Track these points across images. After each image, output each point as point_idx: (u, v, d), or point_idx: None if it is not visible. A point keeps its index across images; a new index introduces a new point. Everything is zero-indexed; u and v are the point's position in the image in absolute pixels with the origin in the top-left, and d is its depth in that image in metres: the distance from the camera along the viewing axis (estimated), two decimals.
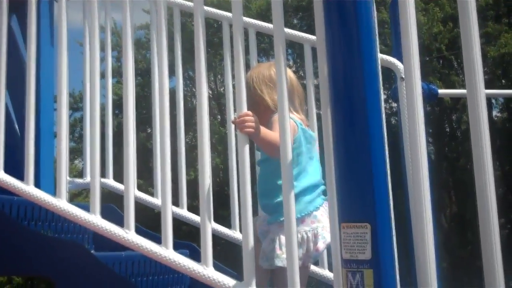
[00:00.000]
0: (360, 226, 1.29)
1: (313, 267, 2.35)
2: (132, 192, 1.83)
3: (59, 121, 2.01)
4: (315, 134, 2.17)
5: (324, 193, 2.01)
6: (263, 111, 2.01)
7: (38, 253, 1.96)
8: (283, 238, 1.87)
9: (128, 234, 1.79)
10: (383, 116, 1.41)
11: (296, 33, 2.54)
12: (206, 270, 1.67)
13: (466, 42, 1.29)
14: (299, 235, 1.93)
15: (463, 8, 1.33)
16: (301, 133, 2.01)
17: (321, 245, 1.98)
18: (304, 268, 1.91)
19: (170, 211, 1.76)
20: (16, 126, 2.87)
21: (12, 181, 1.98)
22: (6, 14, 2.19)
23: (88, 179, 2.72)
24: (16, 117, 2.85)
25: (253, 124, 1.74)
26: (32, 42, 2.12)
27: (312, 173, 2.02)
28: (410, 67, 1.39)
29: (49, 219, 2.31)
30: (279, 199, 1.89)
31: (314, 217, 1.99)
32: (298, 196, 1.94)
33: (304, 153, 2.00)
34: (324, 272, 2.34)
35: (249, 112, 1.75)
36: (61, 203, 1.91)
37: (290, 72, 2.11)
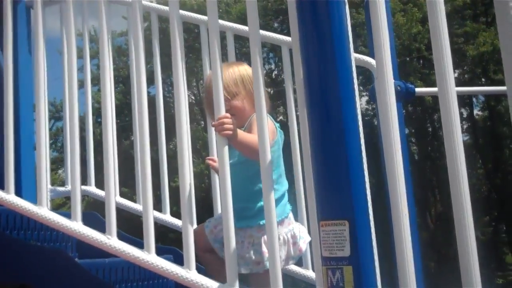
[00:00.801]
0: (338, 224, 1.30)
1: (297, 268, 2.36)
2: (113, 197, 1.83)
3: (38, 127, 2.01)
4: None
5: None
6: (248, 109, 2.01)
7: (21, 261, 1.95)
8: (265, 239, 1.89)
9: (110, 240, 1.79)
10: (359, 114, 1.43)
11: (273, 35, 2.56)
12: (189, 273, 1.68)
13: (435, 38, 1.31)
14: (281, 237, 1.96)
15: (431, 3, 1.35)
16: (279, 136, 2.03)
17: (303, 245, 2.03)
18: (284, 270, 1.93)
19: (151, 215, 1.76)
20: None
21: None
22: None
23: (69, 187, 2.71)
24: None
25: (231, 126, 1.75)
26: (9, 50, 2.11)
27: (285, 176, 2.04)
28: (381, 64, 1.41)
29: (31, 227, 2.30)
30: (258, 204, 1.95)
31: (289, 218, 2.04)
32: (279, 199, 1.97)
33: (281, 156, 2.02)
34: (308, 272, 2.36)
35: (227, 115, 1.76)
36: (42, 211, 1.90)
37: None
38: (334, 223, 1.31)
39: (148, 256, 1.73)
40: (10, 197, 1.95)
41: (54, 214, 1.90)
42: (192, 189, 1.77)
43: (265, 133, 1.61)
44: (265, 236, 1.94)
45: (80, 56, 2.28)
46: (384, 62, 1.38)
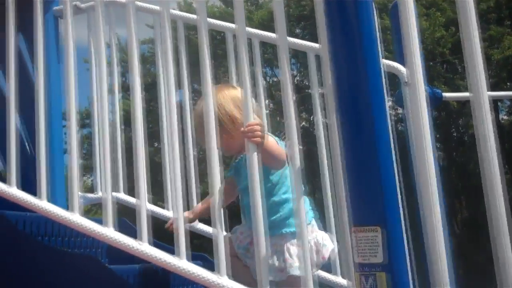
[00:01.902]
0: (371, 230, 1.30)
1: (326, 275, 2.36)
2: (144, 203, 1.85)
3: (69, 134, 2.04)
4: None
5: None
6: (235, 132, 2.00)
7: (53, 268, 1.98)
8: (291, 247, 1.95)
9: (142, 246, 1.81)
10: (389, 120, 1.43)
11: (299, 41, 2.57)
12: (220, 279, 1.69)
13: (467, 42, 1.31)
14: None
15: (462, 8, 1.35)
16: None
17: (326, 253, 2.04)
18: None
19: (182, 222, 1.78)
20: (27, 144, 2.90)
21: (26, 197, 2.01)
22: (13, 34, 2.22)
23: (99, 193, 2.75)
24: (26, 135, 2.88)
25: (261, 133, 1.76)
26: (40, 61, 2.15)
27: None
28: (413, 70, 1.41)
29: (62, 234, 2.33)
30: (278, 215, 2.01)
31: (313, 226, 2.05)
32: None
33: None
34: (338, 279, 2.35)
35: (258, 121, 1.77)
36: (74, 217, 1.93)
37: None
38: (367, 229, 1.31)
39: (180, 262, 1.75)
40: (43, 203, 1.98)
41: (87, 220, 1.93)
42: (221, 196, 1.78)
43: (294, 140, 1.61)
44: (288, 244, 1.97)
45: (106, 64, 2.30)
46: (415, 69, 1.38)
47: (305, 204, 2.03)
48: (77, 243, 2.39)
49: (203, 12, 1.85)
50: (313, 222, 2.07)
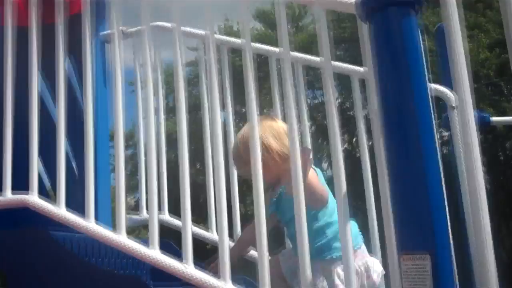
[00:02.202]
0: (420, 258, 1.28)
1: None
2: (189, 225, 1.86)
3: (117, 156, 2.08)
4: None
5: None
6: (270, 161, 2.03)
7: (100, 287, 2.01)
8: (340, 272, 1.94)
9: (187, 269, 1.82)
10: (437, 144, 1.41)
11: (343, 65, 2.57)
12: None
13: None
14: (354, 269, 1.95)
15: (509, 27, 1.32)
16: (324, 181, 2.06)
17: (377, 279, 2.02)
18: None
19: (227, 245, 1.78)
20: (73, 165, 2.97)
21: (74, 219, 2.04)
22: (63, 58, 2.28)
23: (144, 214, 2.79)
24: (73, 156, 2.95)
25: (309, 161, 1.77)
26: (89, 84, 2.20)
27: None
28: (462, 95, 1.39)
29: (109, 255, 2.36)
30: (319, 242, 2.00)
31: (363, 251, 2.05)
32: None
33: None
34: None
35: (307, 148, 1.78)
36: (121, 238, 1.96)
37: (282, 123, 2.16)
38: (416, 257, 1.28)
39: (226, 285, 1.75)
40: (91, 225, 2.02)
41: (132, 242, 1.95)
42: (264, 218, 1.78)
43: (340, 168, 1.61)
44: (338, 268, 1.95)
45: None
46: (464, 94, 1.36)
47: (353, 228, 2.02)
48: (122, 264, 2.42)
49: (247, 36, 1.87)
50: (363, 247, 2.06)
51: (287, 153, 1.90)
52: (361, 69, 2.46)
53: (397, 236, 1.35)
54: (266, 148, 2.03)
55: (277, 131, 2.11)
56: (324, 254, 2.00)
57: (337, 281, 1.96)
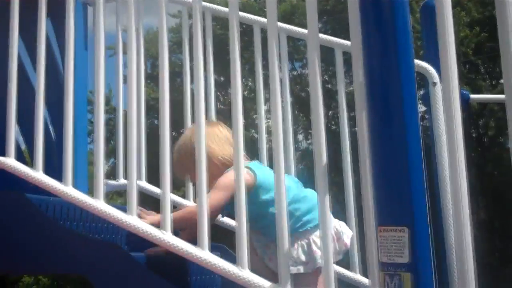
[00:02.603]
0: (398, 230, 1.30)
1: (344, 271, 2.36)
2: (168, 193, 1.86)
3: (96, 122, 2.06)
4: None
5: None
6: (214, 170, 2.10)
7: (76, 252, 2.01)
8: (317, 240, 2.01)
9: (165, 235, 1.83)
10: (419, 120, 1.42)
11: (327, 37, 2.56)
12: (242, 272, 1.70)
13: (504, 43, 1.28)
14: None
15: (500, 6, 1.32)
16: (261, 178, 2.08)
17: (347, 240, 2.12)
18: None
19: (206, 214, 1.78)
20: (51, 129, 2.93)
21: (51, 182, 2.03)
22: (44, 19, 2.23)
23: (121, 180, 2.77)
24: (50, 120, 2.91)
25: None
26: (70, 47, 2.16)
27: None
28: (447, 72, 1.40)
29: (84, 219, 2.35)
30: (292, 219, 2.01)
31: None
32: (309, 209, 2.08)
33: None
34: (356, 276, 2.35)
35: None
36: (99, 204, 1.95)
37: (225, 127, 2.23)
38: (393, 229, 1.31)
39: (202, 253, 1.76)
40: (68, 189, 2.00)
41: (111, 208, 1.94)
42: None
43: (321, 136, 1.61)
44: (313, 236, 1.99)
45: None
46: (450, 71, 1.36)
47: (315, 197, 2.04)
48: (98, 229, 2.42)
49: (235, 6, 1.85)
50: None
51: (228, 159, 2.11)
52: (345, 42, 2.45)
53: (375, 209, 1.37)
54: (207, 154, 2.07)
55: (218, 136, 2.19)
56: (298, 229, 2.04)
57: (315, 248, 2.02)
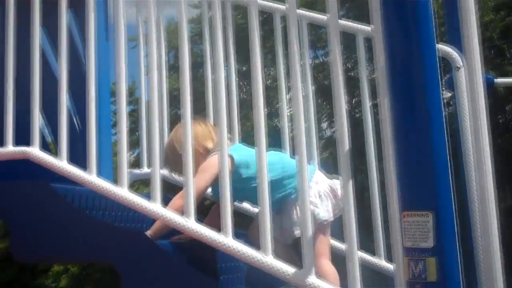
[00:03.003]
0: (422, 215, 1.29)
1: (368, 257, 2.35)
2: (191, 180, 1.88)
3: (119, 111, 2.07)
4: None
5: None
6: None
7: (103, 241, 2.03)
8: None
9: (188, 222, 1.84)
10: (442, 104, 1.41)
11: (348, 23, 2.53)
12: (265, 258, 1.71)
13: None
14: (321, 193, 2.17)
15: None
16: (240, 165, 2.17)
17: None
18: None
19: (228, 200, 1.79)
20: (75, 119, 2.96)
21: (76, 171, 2.05)
22: (65, 12, 2.25)
23: (145, 169, 2.80)
24: (75, 111, 2.94)
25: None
26: (91, 39, 2.18)
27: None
28: (471, 56, 1.39)
29: (109, 208, 2.38)
30: (278, 194, 2.14)
31: (320, 176, 2.24)
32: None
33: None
34: (381, 262, 2.34)
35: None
36: (123, 192, 1.97)
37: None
38: (417, 214, 1.30)
39: (226, 239, 1.77)
40: (93, 178, 2.02)
41: (135, 196, 1.96)
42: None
43: (343, 121, 1.60)
44: (296, 205, 2.12)
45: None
46: (473, 55, 1.35)
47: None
48: (123, 218, 2.45)
49: None
50: (315, 175, 2.20)
51: (201, 152, 2.27)
52: (366, 27, 2.43)
53: (399, 194, 1.36)
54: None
55: (195, 132, 2.23)
56: (291, 195, 2.15)
57: (312, 207, 2.02)
